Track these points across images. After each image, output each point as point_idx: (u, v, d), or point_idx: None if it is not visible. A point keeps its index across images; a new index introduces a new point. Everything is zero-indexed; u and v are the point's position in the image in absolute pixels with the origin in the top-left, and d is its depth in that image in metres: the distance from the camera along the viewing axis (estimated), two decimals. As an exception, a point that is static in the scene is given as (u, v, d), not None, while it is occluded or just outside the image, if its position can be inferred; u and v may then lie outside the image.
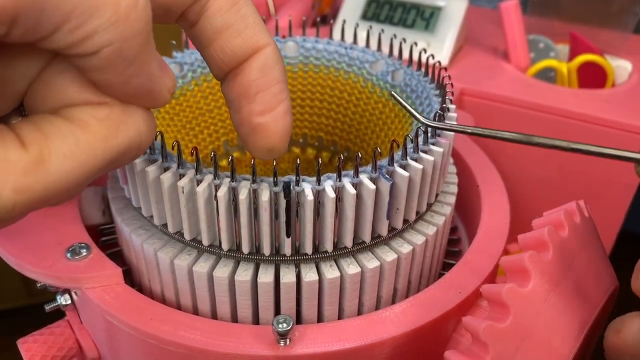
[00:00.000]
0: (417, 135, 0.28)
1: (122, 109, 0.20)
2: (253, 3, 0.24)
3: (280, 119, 0.24)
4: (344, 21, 0.44)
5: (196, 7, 0.23)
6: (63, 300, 0.31)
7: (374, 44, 0.38)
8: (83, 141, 0.19)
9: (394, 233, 0.29)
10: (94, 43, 0.18)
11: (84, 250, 0.30)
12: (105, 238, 0.34)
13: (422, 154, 0.28)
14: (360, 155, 0.26)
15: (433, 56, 0.35)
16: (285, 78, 0.25)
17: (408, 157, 0.28)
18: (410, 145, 0.28)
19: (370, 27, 0.40)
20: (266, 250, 0.27)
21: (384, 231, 0.28)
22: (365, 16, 0.55)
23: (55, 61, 0.19)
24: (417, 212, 0.30)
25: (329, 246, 0.28)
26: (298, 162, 0.26)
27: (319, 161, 0.26)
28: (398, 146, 0.27)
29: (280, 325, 0.26)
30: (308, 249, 0.27)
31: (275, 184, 0.26)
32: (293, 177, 0.26)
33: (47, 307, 0.32)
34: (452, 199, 0.33)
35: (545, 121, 0.46)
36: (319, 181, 0.26)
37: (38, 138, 0.18)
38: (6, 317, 0.99)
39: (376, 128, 0.37)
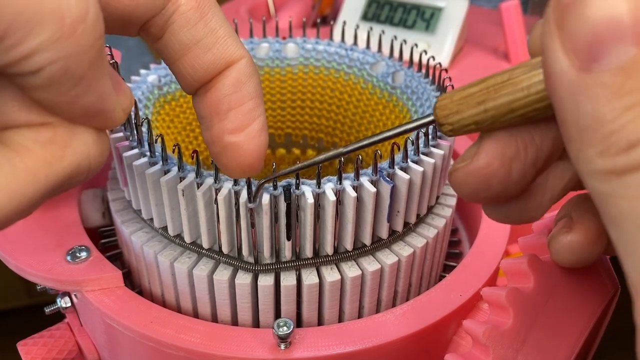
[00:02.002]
0: (417, 138, 0.28)
1: (68, 131, 0.18)
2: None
3: (253, 137, 0.23)
4: (345, 22, 0.44)
5: (159, 20, 0.21)
6: (63, 302, 0.31)
7: (374, 45, 0.38)
8: (22, 169, 0.17)
9: (395, 236, 0.29)
10: (34, 62, 0.16)
11: (84, 252, 0.30)
12: (105, 240, 0.34)
13: (422, 157, 0.28)
14: (360, 158, 0.26)
15: (434, 57, 0.34)
16: (261, 93, 0.23)
17: (409, 160, 0.27)
18: (411, 148, 0.28)
19: (371, 28, 0.40)
20: (266, 253, 0.27)
21: (384, 234, 0.28)
22: (365, 17, 0.55)
23: None
24: (418, 215, 0.30)
25: (329, 249, 0.27)
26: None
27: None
28: (399, 148, 0.27)
29: (280, 329, 0.26)
30: (308, 252, 0.27)
31: (275, 187, 0.26)
32: (293, 181, 0.26)
33: (47, 310, 0.32)
34: (453, 201, 0.32)
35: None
36: (319, 184, 0.26)
37: None
38: (6, 317, 0.99)
39: (377, 130, 0.37)
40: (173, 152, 0.26)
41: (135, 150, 0.28)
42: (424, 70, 0.35)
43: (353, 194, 0.26)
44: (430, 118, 0.21)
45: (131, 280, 0.33)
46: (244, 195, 0.25)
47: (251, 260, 0.27)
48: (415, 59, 0.35)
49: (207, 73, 0.22)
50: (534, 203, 0.21)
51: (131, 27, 0.21)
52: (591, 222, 0.22)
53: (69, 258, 0.30)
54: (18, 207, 0.17)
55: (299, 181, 0.26)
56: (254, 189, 0.25)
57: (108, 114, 0.19)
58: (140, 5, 0.21)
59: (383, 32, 0.38)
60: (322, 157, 0.23)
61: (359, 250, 0.28)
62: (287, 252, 0.27)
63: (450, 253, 0.37)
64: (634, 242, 0.15)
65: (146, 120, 0.28)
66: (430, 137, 0.29)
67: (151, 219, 0.29)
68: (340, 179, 0.26)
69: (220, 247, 0.27)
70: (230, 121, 0.23)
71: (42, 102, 0.17)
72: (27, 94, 0.17)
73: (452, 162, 0.35)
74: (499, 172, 0.19)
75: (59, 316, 0.33)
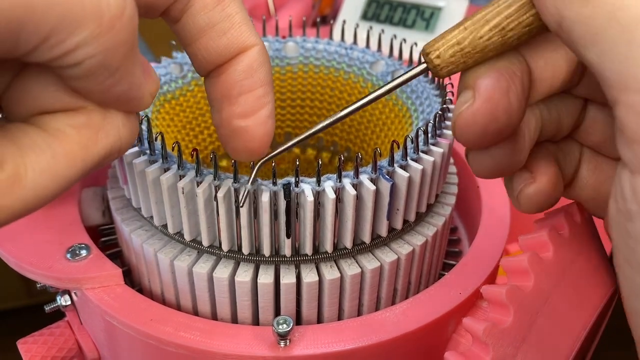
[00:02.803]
0: (417, 136, 0.28)
1: (101, 115, 0.19)
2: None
3: (261, 123, 0.24)
4: (344, 21, 0.44)
5: (179, 4, 0.22)
6: (63, 301, 0.31)
7: (374, 45, 0.38)
8: (60, 153, 0.18)
9: (394, 234, 0.29)
10: (75, 56, 0.17)
11: (84, 250, 0.30)
12: (105, 238, 0.34)
13: (422, 155, 0.28)
14: (360, 156, 0.26)
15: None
16: (271, 81, 0.24)
17: (408, 158, 0.27)
18: (410, 146, 0.28)
19: (371, 27, 0.40)
20: (266, 251, 0.27)
21: (383, 232, 0.28)
22: (365, 16, 0.55)
23: (32, 64, 0.18)
24: (417, 213, 0.30)
25: (328, 247, 0.27)
26: (297, 163, 0.25)
27: (319, 162, 0.26)
28: (398, 147, 0.27)
29: (280, 326, 0.26)
30: (308, 249, 0.27)
31: (275, 184, 0.26)
32: (292, 179, 0.26)
33: (47, 308, 0.32)
34: (452, 200, 0.32)
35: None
36: (319, 182, 0.26)
37: (13, 153, 0.17)
38: (6, 317, 0.98)
39: (376, 128, 0.37)
40: (173, 150, 0.26)
41: (135, 149, 0.28)
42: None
43: (353, 192, 0.26)
44: (423, 66, 0.22)
45: (131, 278, 0.33)
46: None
47: (253, 251, 0.28)
48: (415, 58, 0.35)
49: (220, 57, 0.23)
50: (519, 145, 0.23)
51: (153, 11, 0.22)
52: (550, 168, 0.25)
53: (69, 256, 0.30)
54: (57, 188, 0.18)
55: (299, 179, 0.26)
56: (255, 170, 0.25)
57: (138, 100, 0.20)
58: None
59: (383, 31, 0.38)
60: (319, 126, 0.24)
61: (359, 248, 0.28)
62: (286, 250, 0.27)
63: (450, 252, 0.37)
64: None
65: (146, 118, 0.28)
66: (429, 135, 0.29)
67: (151, 217, 0.29)
68: (340, 177, 0.26)
69: (220, 245, 0.27)
70: (240, 105, 0.23)
71: (78, 89, 0.19)
72: (64, 82, 0.18)
73: (451, 160, 0.35)
74: (502, 102, 0.21)
75: (58, 314, 0.33)
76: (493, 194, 0.36)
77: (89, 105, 0.19)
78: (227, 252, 0.28)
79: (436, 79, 0.33)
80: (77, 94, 0.19)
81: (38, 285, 0.31)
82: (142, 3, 0.21)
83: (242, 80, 0.23)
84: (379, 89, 0.23)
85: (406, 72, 0.23)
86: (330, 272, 0.28)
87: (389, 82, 0.23)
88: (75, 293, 0.31)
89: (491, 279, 0.31)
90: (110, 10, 0.17)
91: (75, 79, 0.18)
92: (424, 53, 0.21)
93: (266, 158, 0.25)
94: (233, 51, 0.23)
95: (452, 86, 0.32)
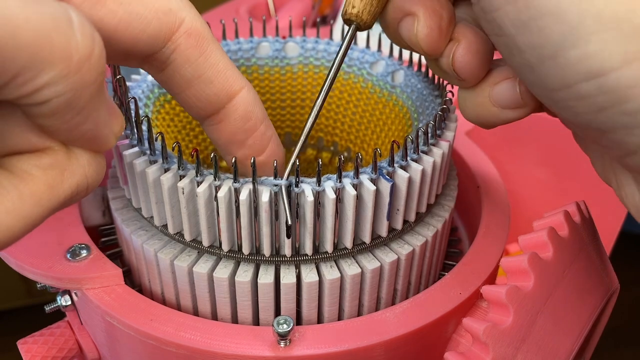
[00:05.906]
0: (417, 136, 0.28)
1: (66, 155, 0.20)
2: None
3: (272, 155, 0.26)
4: (344, 21, 0.44)
5: (160, 56, 0.23)
6: (63, 301, 0.31)
7: (374, 45, 0.38)
8: (27, 194, 0.18)
9: (394, 234, 0.29)
10: (43, 95, 0.17)
11: (84, 251, 0.30)
12: (106, 239, 0.34)
13: (422, 155, 0.28)
14: (360, 156, 0.26)
15: (433, 57, 0.34)
16: (266, 113, 0.25)
17: (408, 158, 0.27)
18: (410, 146, 0.28)
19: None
20: (266, 251, 0.27)
21: (384, 232, 0.28)
22: (365, 16, 0.55)
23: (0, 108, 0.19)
24: (417, 213, 0.30)
25: (329, 247, 0.28)
26: (297, 162, 0.25)
27: (319, 162, 0.26)
28: (398, 147, 0.27)
29: (280, 326, 0.26)
30: (308, 249, 0.27)
31: (276, 185, 0.26)
32: (292, 179, 0.26)
33: (47, 308, 0.32)
34: (452, 200, 0.32)
35: (544, 119, 0.45)
36: (319, 182, 0.26)
37: None
38: (6, 317, 0.99)
39: (376, 129, 0.37)
40: (173, 150, 0.26)
41: (136, 149, 0.28)
42: (423, 69, 0.35)
43: (353, 192, 0.26)
44: (352, 27, 0.25)
45: (131, 278, 0.33)
46: (244, 193, 0.25)
47: (253, 251, 0.28)
48: (415, 58, 0.35)
49: (211, 104, 0.24)
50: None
51: (132, 60, 0.23)
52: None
53: (69, 256, 0.30)
54: (24, 228, 0.19)
55: (299, 179, 0.26)
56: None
57: (102, 139, 0.21)
58: (140, 42, 0.22)
59: (383, 31, 0.38)
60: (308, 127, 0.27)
61: (359, 248, 0.28)
62: (287, 250, 0.27)
63: (450, 252, 0.37)
64: None
65: (146, 119, 0.28)
66: (429, 135, 0.29)
67: (151, 217, 0.29)
68: (340, 177, 0.26)
69: (220, 245, 0.27)
70: (249, 147, 0.25)
71: (44, 127, 0.19)
72: (31, 120, 0.19)
73: (451, 160, 0.35)
74: None
75: (59, 315, 0.33)
76: (493, 194, 0.36)
77: (55, 146, 0.20)
78: (227, 252, 0.28)
79: (436, 78, 0.33)
80: (43, 134, 0.19)
81: (38, 286, 0.31)
82: (119, 51, 0.22)
83: (243, 125, 0.24)
84: (331, 67, 0.26)
85: (342, 42, 0.26)
86: (330, 272, 0.28)
87: (336, 57, 0.26)
88: (75, 293, 0.31)
89: (491, 279, 0.31)
90: (79, 51, 0.17)
91: (42, 117, 0.18)
92: (345, 16, 0.25)
93: (293, 159, 0.26)
94: (223, 98, 0.24)
95: (452, 86, 0.32)
